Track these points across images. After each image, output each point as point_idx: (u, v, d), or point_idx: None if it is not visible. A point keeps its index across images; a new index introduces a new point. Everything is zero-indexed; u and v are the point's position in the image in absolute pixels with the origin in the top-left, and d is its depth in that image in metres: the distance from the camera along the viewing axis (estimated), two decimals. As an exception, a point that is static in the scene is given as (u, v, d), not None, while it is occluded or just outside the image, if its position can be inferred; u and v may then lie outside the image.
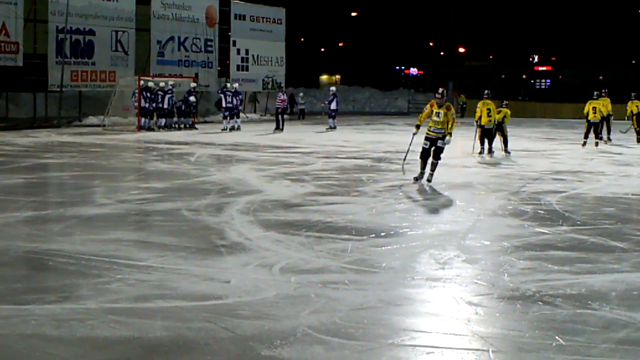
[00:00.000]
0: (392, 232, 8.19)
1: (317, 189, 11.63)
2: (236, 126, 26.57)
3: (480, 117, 18.10)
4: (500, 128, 18.58)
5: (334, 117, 28.49)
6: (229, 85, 28.09)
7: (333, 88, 29.88)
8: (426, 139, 12.68)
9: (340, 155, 17.67)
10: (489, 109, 18.09)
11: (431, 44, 75.85)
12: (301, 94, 39.13)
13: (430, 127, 12.66)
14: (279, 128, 26.69)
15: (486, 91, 18.78)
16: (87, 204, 9.77)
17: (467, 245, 7.68)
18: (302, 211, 9.50)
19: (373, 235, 8.00)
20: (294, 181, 12.54)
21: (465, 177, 14.01)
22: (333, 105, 28.56)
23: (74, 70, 28.22)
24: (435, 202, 10.91)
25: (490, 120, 18.09)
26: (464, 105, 44.93)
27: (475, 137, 18.65)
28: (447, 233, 8.30)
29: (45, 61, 27.32)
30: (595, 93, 21.69)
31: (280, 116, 27.08)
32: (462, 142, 22.70)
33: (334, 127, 28.16)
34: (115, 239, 7.55)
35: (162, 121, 26.19)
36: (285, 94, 28.44)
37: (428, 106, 12.73)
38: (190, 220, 8.74)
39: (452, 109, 12.58)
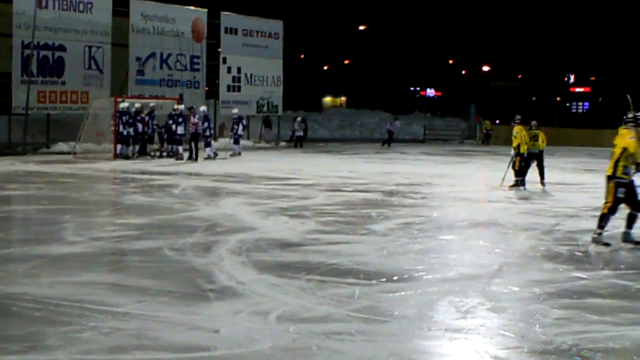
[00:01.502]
0: (405, 276, 8.22)
1: (319, 227, 11.68)
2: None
3: (519, 144, 18.20)
4: (540, 157, 18.68)
5: (238, 142, 29.34)
6: (203, 108, 27.92)
7: (235, 110, 30.56)
8: (622, 185, 10.43)
9: (346, 188, 17.74)
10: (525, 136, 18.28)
11: (450, 61, 76.35)
12: (299, 119, 39.06)
13: (623, 167, 10.39)
14: (192, 157, 25.62)
15: (517, 116, 18.83)
16: (56, 242, 9.82)
17: (493, 292, 7.69)
18: (302, 251, 9.55)
19: (384, 279, 8.03)
20: (292, 217, 12.60)
21: (491, 213, 14.04)
22: (240, 130, 29.54)
23: (42, 90, 28.46)
24: (455, 242, 10.91)
25: (528, 148, 18.25)
26: (490, 132, 45.07)
27: (509, 167, 18.63)
28: (469, 277, 8.32)
29: (9, 80, 27.56)
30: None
31: (193, 143, 25.87)
32: (486, 173, 22.77)
33: (239, 154, 28.76)
34: (88, 282, 7.59)
35: (136, 147, 26.38)
36: (197, 117, 26.36)
37: (634, 139, 10.39)
38: (173, 261, 8.79)
39: None
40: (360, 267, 8.60)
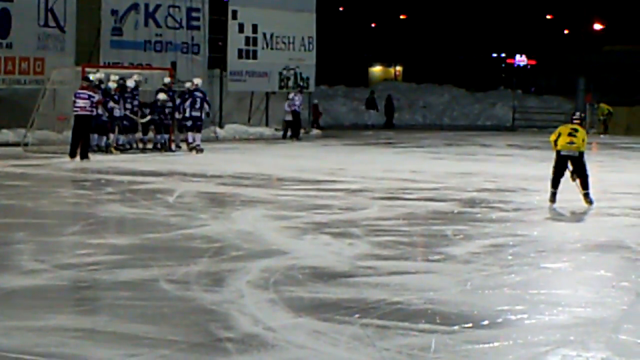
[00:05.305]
0: (499, 320, 8.20)
1: (375, 250, 11.65)
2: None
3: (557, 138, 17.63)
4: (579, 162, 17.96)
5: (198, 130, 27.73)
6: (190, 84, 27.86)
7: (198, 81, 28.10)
8: None
9: (408, 195, 17.76)
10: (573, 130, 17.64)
11: (549, 17, 76.05)
12: (291, 95, 35.28)
13: None
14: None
15: (577, 113, 18.76)
16: (8, 271, 9.85)
17: (623, 342, 7.66)
18: (354, 285, 9.51)
19: (469, 324, 8.00)
20: (336, 236, 12.57)
21: (613, 231, 13.96)
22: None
23: (-22, 56, 28.64)
24: (567, 272, 10.89)
25: (572, 143, 17.55)
26: (608, 116, 44.75)
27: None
28: (588, 322, 8.28)
29: None
30: None
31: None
32: (604, 174, 22.58)
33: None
34: (57, 327, 7.59)
35: (114, 138, 26.33)
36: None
37: None
38: (174, 299, 8.78)
39: None
40: (436, 308, 8.56)
